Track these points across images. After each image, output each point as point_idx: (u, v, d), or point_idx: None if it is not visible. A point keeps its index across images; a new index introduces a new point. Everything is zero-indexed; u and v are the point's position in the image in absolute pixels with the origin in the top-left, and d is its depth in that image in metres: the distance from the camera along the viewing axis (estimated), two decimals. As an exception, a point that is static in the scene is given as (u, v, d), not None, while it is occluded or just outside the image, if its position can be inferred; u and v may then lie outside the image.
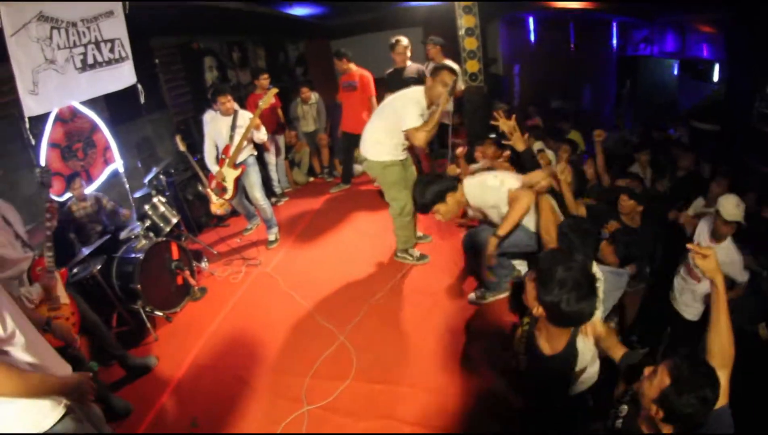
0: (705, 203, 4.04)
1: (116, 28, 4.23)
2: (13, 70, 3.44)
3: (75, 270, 3.88)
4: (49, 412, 1.87)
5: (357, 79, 6.10)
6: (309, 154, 7.38)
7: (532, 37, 10.49)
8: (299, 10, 7.59)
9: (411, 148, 4.30)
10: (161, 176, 5.11)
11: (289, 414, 3.02)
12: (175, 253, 4.35)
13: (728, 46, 7.05)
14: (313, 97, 7.15)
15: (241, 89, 7.60)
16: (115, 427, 2.98)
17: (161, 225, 4.66)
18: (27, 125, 3.69)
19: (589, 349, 2.14)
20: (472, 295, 3.90)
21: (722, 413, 1.76)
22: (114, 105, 5.14)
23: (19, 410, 1.80)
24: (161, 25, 5.65)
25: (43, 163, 4.35)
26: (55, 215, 3.02)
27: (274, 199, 6.44)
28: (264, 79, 6.19)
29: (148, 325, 4.04)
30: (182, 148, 5.35)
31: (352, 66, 6.15)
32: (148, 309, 4.09)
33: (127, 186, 4.71)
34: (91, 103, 4.70)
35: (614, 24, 10.71)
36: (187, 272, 4.40)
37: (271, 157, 6.58)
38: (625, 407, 1.92)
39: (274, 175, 6.70)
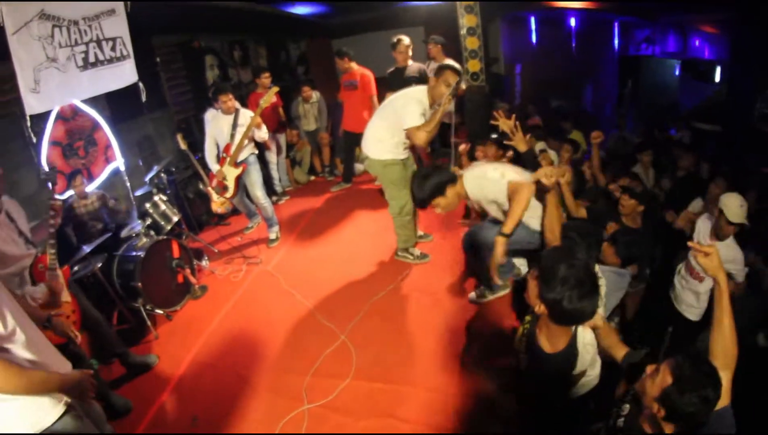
0: (703, 204, 4.03)
1: (118, 26, 4.23)
2: (15, 68, 3.44)
3: (76, 268, 3.88)
4: (49, 409, 1.88)
5: (358, 78, 6.10)
6: (310, 152, 7.38)
7: (534, 37, 10.49)
8: (301, 9, 7.60)
9: (413, 148, 4.29)
10: (162, 174, 5.12)
11: (289, 412, 3.03)
12: (175, 251, 4.36)
13: (730, 46, 7.04)
14: (315, 95, 7.15)
15: (242, 88, 7.61)
16: (115, 425, 2.98)
17: (162, 223, 4.67)
18: (28, 123, 3.70)
19: (589, 351, 2.13)
20: (472, 295, 3.90)
21: (724, 413, 1.76)
22: (115, 103, 5.15)
23: (19, 408, 1.81)
24: (162, 23, 5.66)
25: (44, 161, 4.36)
26: (59, 213, 3.02)
27: (275, 198, 6.44)
28: (265, 78, 6.19)
29: (149, 323, 4.04)
30: (183, 146, 5.35)
31: (354, 65, 6.15)
32: (148, 307, 4.10)
33: (128, 184, 4.72)
34: (93, 101, 4.71)
35: (616, 24, 10.71)
36: (188, 270, 4.40)
37: (272, 156, 6.57)
38: (627, 406, 1.92)
39: (275, 173, 6.70)
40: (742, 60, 6.38)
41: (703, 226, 3.32)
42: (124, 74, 4.39)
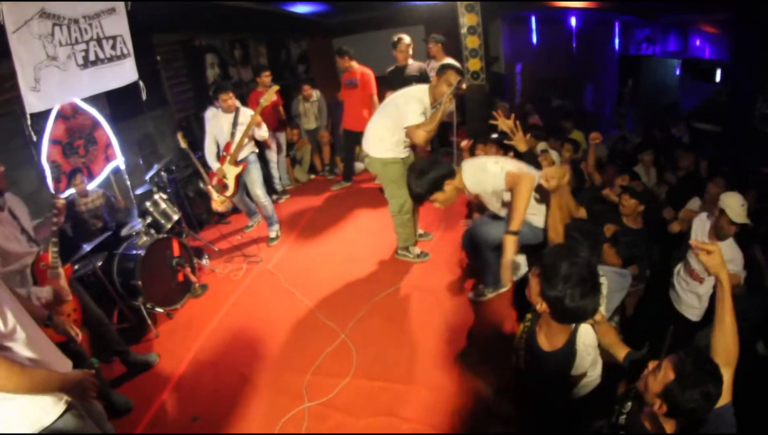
0: (701, 204, 4.03)
1: (118, 24, 4.24)
2: (15, 66, 3.45)
3: (76, 266, 3.88)
4: (50, 408, 1.88)
5: (358, 76, 6.10)
6: (310, 151, 7.37)
7: (535, 36, 10.49)
8: (301, 8, 7.60)
9: (414, 147, 4.29)
10: (162, 173, 5.11)
11: (289, 410, 3.03)
12: (176, 249, 4.36)
13: (731, 47, 7.04)
14: (315, 94, 7.16)
15: (242, 86, 7.61)
16: (115, 424, 2.97)
17: (162, 222, 4.67)
18: (29, 122, 3.70)
19: (590, 353, 2.14)
20: (471, 294, 3.90)
21: (725, 413, 1.76)
22: (115, 102, 5.16)
23: (20, 406, 1.81)
24: (163, 22, 5.66)
25: (44, 159, 4.36)
26: (62, 212, 3.02)
27: (275, 197, 6.44)
28: (266, 77, 6.19)
29: (149, 321, 4.05)
30: (183, 145, 5.35)
31: (354, 64, 6.16)
32: (148, 305, 4.09)
33: (129, 183, 4.72)
34: (93, 99, 4.71)
35: (617, 23, 10.70)
36: (188, 269, 4.40)
37: (272, 155, 6.57)
38: (629, 404, 1.93)
39: (275, 172, 6.70)
40: (742, 60, 6.38)
41: (701, 226, 3.29)
42: (125, 73, 4.39)
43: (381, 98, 5.51)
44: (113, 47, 4.23)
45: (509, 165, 3.09)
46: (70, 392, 1.93)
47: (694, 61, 8.71)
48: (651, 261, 4.02)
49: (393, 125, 4.01)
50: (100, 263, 3.93)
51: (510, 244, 2.78)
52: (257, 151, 5.23)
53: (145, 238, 4.25)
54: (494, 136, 5.02)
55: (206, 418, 3.12)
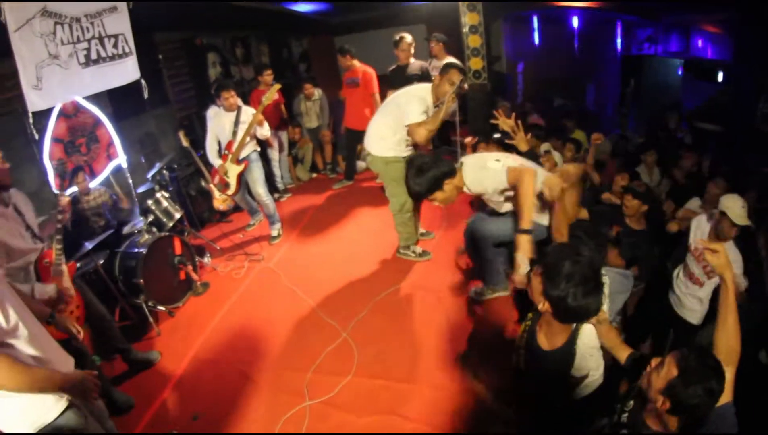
0: (701, 204, 4.02)
1: (120, 23, 4.24)
2: (17, 65, 3.46)
3: (78, 264, 3.89)
4: (51, 405, 1.88)
5: (360, 75, 6.10)
6: (312, 150, 7.37)
7: (536, 35, 10.47)
8: (303, 7, 7.59)
9: (416, 146, 4.29)
10: (164, 171, 5.13)
11: (290, 409, 3.03)
12: (177, 248, 4.37)
13: (733, 47, 7.03)
14: (317, 93, 7.16)
15: (244, 85, 7.61)
16: (116, 422, 2.98)
17: (164, 220, 4.68)
18: (31, 120, 3.70)
19: (593, 354, 2.13)
20: (471, 291, 3.89)
21: (726, 411, 1.77)
22: (117, 100, 5.16)
23: (22, 404, 1.81)
24: (164, 20, 5.66)
25: (46, 158, 4.36)
26: (67, 209, 3.03)
27: (276, 195, 6.44)
28: (267, 75, 6.19)
29: (151, 319, 4.06)
30: (185, 143, 5.36)
31: (356, 62, 6.16)
32: (150, 303, 4.11)
33: (131, 181, 4.72)
34: (95, 98, 4.72)
35: (619, 23, 10.68)
36: (190, 267, 4.41)
37: (274, 153, 6.58)
38: (631, 402, 1.93)
39: (277, 171, 6.70)
40: (744, 60, 6.37)
41: (700, 228, 3.27)
42: (127, 71, 4.40)
43: (383, 97, 5.52)
44: (115, 46, 4.24)
45: (510, 161, 3.04)
46: (71, 392, 1.93)
47: (697, 61, 8.68)
48: (653, 262, 4.02)
49: (395, 124, 4.01)
50: (101, 261, 3.93)
51: (525, 243, 2.66)
52: (259, 149, 5.24)
53: (146, 237, 4.26)
54: (496, 136, 5.01)
55: (207, 417, 3.13)
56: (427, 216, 5.07)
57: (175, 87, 6.29)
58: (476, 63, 7.16)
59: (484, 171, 3.06)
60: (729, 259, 1.89)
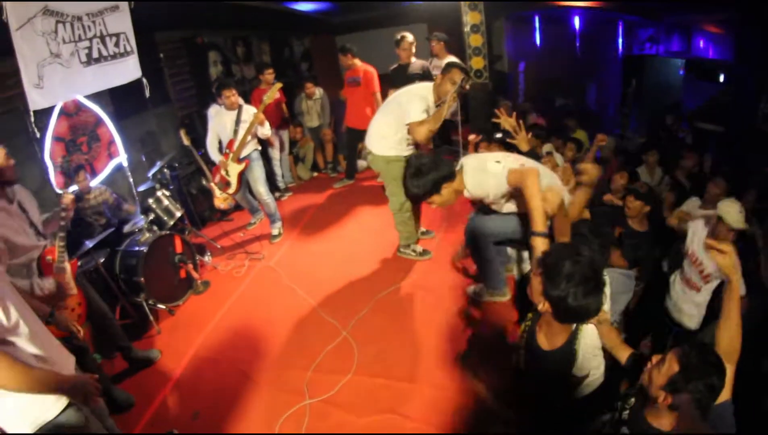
0: (701, 204, 4.01)
1: (121, 22, 4.24)
2: (19, 63, 3.46)
3: (79, 263, 3.90)
4: (51, 404, 1.88)
5: (361, 74, 6.10)
6: (313, 149, 7.38)
7: (538, 35, 10.46)
8: (304, 6, 7.59)
9: (417, 145, 4.29)
10: (165, 170, 5.13)
11: (290, 407, 3.04)
12: (178, 246, 4.37)
13: (736, 46, 7.01)
14: (318, 92, 7.16)
15: (245, 84, 7.61)
16: (117, 420, 2.99)
17: (165, 218, 4.68)
18: (32, 119, 3.70)
19: (596, 354, 2.13)
20: (470, 288, 3.88)
21: (724, 410, 1.78)
22: (119, 99, 5.17)
23: (22, 403, 1.80)
24: (166, 19, 5.66)
25: (47, 156, 4.37)
26: (71, 208, 3.03)
27: (277, 194, 6.45)
28: (269, 74, 6.19)
29: (151, 318, 4.06)
30: (186, 142, 5.37)
31: (357, 61, 6.16)
32: (151, 302, 4.11)
33: (131, 180, 4.73)
34: (96, 97, 4.73)
35: (620, 23, 10.66)
36: (191, 266, 4.42)
37: (275, 152, 6.58)
38: (632, 400, 1.94)
39: (278, 170, 6.71)
40: (745, 60, 6.35)
41: (698, 234, 3.23)
42: (128, 70, 4.40)
43: (384, 96, 5.52)
44: (116, 44, 4.24)
45: (511, 162, 2.98)
46: (72, 395, 1.92)
47: (698, 61, 8.67)
48: (654, 263, 4.01)
49: (396, 123, 4.01)
50: (102, 260, 3.94)
51: (540, 245, 2.54)
52: (260, 148, 5.24)
53: (147, 235, 4.26)
54: (498, 135, 5.00)
55: (207, 415, 3.13)
56: (428, 215, 5.07)
57: (176, 86, 6.30)
58: (478, 62, 7.17)
59: (485, 175, 3.01)
60: (737, 260, 1.89)
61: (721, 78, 7.79)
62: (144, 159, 5.36)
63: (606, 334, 2.21)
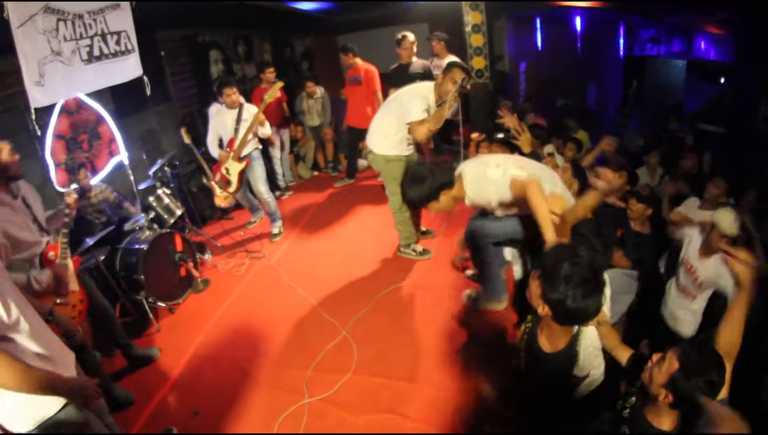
0: (700, 204, 4.01)
1: (122, 20, 4.25)
2: (20, 61, 3.46)
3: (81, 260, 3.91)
4: (50, 402, 1.87)
5: (362, 73, 6.10)
6: (314, 148, 7.38)
7: (539, 35, 10.46)
8: (305, 5, 7.59)
9: (418, 145, 4.28)
10: (166, 168, 5.14)
11: (289, 406, 3.04)
12: (178, 244, 4.37)
13: (736, 47, 7.02)
14: (319, 91, 7.16)
15: (246, 83, 7.61)
16: (116, 418, 2.99)
17: (165, 217, 4.69)
18: (33, 116, 3.71)
19: (597, 355, 2.13)
20: (467, 292, 3.84)
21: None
22: (119, 97, 5.17)
23: (22, 400, 1.80)
24: (167, 17, 5.66)
25: (48, 154, 4.37)
26: (74, 207, 3.04)
27: (278, 193, 6.45)
28: (270, 73, 6.19)
29: (151, 316, 4.06)
30: (187, 140, 5.37)
31: (358, 61, 6.16)
32: (151, 300, 4.12)
33: (132, 178, 4.73)
34: (97, 95, 4.73)
35: (622, 24, 10.67)
36: (191, 264, 4.42)
37: (275, 151, 6.59)
38: (632, 399, 1.96)
39: (278, 168, 6.71)
40: (746, 62, 6.36)
41: (693, 243, 3.18)
42: (129, 68, 4.40)
43: (385, 96, 5.52)
44: (118, 43, 4.24)
45: (511, 167, 2.90)
46: (71, 398, 1.91)
47: (699, 62, 8.69)
48: (654, 264, 4.01)
49: (396, 122, 4.01)
50: (102, 257, 3.94)
51: None
52: (261, 147, 5.24)
53: (148, 233, 4.27)
54: (500, 136, 5.00)
55: (206, 413, 3.13)
56: (428, 215, 5.05)
57: (177, 84, 6.29)
58: (479, 62, 7.18)
59: (485, 183, 2.94)
60: (753, 269, 1.89)
61: (723, 79, 7.79)
62: (145, 157, 5.37)
63: (606, 334, 2.21)
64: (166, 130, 6.09)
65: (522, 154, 3.42)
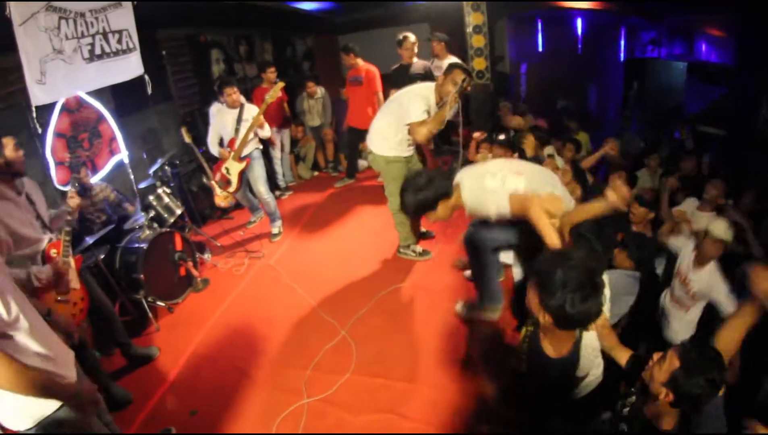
0: (699, 205, 4.01)
1: (124, 19, 4.25)
2: (21, 59, 3.47)
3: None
4: (50, 401, 1.87)
5: (363, 74, 6.10)
6: (314, 148, 7.38)
7: (540, 37, 10.47)
8: (307, 5, 7.60)
9: (418, 145, 4.28)
10: (166, 167, 5.14)
11: (288, 406, 3.04)
12: (178, 244, 4.37)
13: (737, 50, 7.01)
14: (319, 91, 7.17)
15: (247, 82, 7.61)
16: (114, 417, 2.99)
17: (165, 216, 4.69)
18: (34, 114, 3.71)
19: (597, 355, 2.13)
20: (459, 306, 3.75)
21: (715, 411, 1.79)
22: (120, 96, 5.16)
23: (20, 399, 1.79)
24: (169, 17, 5.66)
25: (48, 153, 4.37)
26: (76, 210, 3.04)
27: (278, 193, 6.46)
28: (271, 73, 6.19)
29: (150, 315, 4.06)
30: (188, 139, 5.37)
31: (359, 61, 6.16)
32: (150, 299, 4.11)
33: (132, 177, 4.73)
34: (98, 93, 4.73)
35: (622, 26, 10.67)
36: (190, 263, 4.42)
37: (276, 151, 6.59)
38: (632, 397, 1.97)
39: (278, 168, 6.72)
40: (746, 64, 6.36)
41: (688, 255, 3.17)
42: (130, 67, 4.41)
43: (386, 96, 5.52)
44: (119, 41, 4.25)
45: (510, 174, 2.82)
46: (68, 403, 1.90)
47: (700, 65, 8.68)
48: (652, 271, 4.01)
49: (397, 123, 4.01)
50: (102, 256, 3.94)
51: None
52: (261, 147, 5.24)
53: (147, 232, 4.27)
54: (501, 137, 5.00)
55: (205, 413, 3.13)
56: (428, 215, 5.06)
57: (178, 83, 6.29)
58: (479, 63, 7.18)
59: (484, 193, 2.87)
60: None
61: (723, 81, 7.79)
62: (145, 156, 5.36)
63: (605, 336, 2.21)
64: (166, 129, 6.09)
65: (522, 155, 3.42)
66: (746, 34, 6.33)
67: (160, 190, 4.77)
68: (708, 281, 2.95)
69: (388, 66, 6.24)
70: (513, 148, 4.44)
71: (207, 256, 5.08)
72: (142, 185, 4.95)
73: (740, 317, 1.93)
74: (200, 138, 5.78)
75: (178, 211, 4.82)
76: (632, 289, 3.13)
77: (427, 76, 5.69)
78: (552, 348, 2.13)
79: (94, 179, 4.75)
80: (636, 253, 3.45)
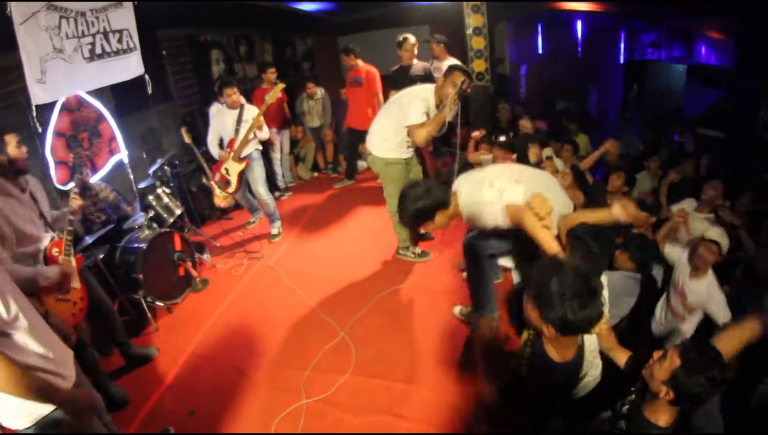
0: (697, 206, 4.01)
1: (125, 18, 4.25)
2: (22, 58, 3.47)
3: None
4: None
5: (363, 75, 6.09)
6: (314, 149, 7.38)
7: (540, 39, 10.48)
8: (307, 6, 7.60)
9: (417, 147, 4.28)
10: (166, 167, 5.14)
11: (287, 406, 3.04)
12: (177, 244, 4.37)
13: (737, 52, 7.03)
14: (319, 92, 7.17)
15: (247, 82, 7.61)
16: (113, 417, 2.98)
17: (165, 216, 4.69)
18: (34, 113, 3.71)
19: (596, 356, 2.13)
20: (457, 309, 3.76)
21: (712, 407, 1.80)
22: (120, 95, 5.16)
23: (18, 399, 1.79)
24: (169, 17, 5.66)
25: (48, 151, 4.37)
26: (78, 212, 3.04)
27: (277, 194, 6.46)
28: (271, 73, 6.19)
29: (149, 315, 4.05)
30: (187, 139, 5.37)
31: (360, 62, 6.15)
32: (149, 299, 4.11)
33: (132, 176, 4.73)
34: (98, 93, 4.72)
35: (622, 28, 10.69)
36: (189, 263, 4.42)
37: (275, 152, 6.59)
38: (632, 397, 1.98)
39: (278, 169, 6.71)
40: (746, 66, 6.37)
41: (682, 262, 3.18)
42: (130, 66, 4.41)
43: (386, 97, 5.52)
44: (120, 41, 4.25)
45: (509, 187, 2.78)
46: (64, 409, 1.89)
47: (700, 67, 8.70)
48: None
49: (396, 125, 4.01)
50: (101, 256, 3.93)
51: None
52: (261, 148, 5.24)
53: (147, 232, 4.27)
54: (501, 138, 4.99)
55: (204, 413, 3.13)
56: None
57: (178, 83, 6.29)
58: (479, 65, 7.17)
59: (482, 205, 2.85)
60: None
61: (722, 84, 7.81)
62: (145, 156, 5.36)
63: (604, 337, 2.21)
64: (166, 129, 6.09)
65: (520, 157, 3.41)
66: (746, 36, 6.35)
67: (159, 190, 4.77)
68: (705, 292, 2.95)
69: (388, 67, 6.24)
70: (513, 149, 4.44)
71: (206, 256, 5.08)
72: (141, 185, 4.95)
73: (742, 329, 1.94)
74: (200, 138, 5.78)
75: (178, 212, 4.82)
76: (633, 290, 3.14)
77: (427, 77, 5.68)
78: (556, 352, 2.12)
79: (94, 179, 4.75)
80: (637, 255, 3.45)
